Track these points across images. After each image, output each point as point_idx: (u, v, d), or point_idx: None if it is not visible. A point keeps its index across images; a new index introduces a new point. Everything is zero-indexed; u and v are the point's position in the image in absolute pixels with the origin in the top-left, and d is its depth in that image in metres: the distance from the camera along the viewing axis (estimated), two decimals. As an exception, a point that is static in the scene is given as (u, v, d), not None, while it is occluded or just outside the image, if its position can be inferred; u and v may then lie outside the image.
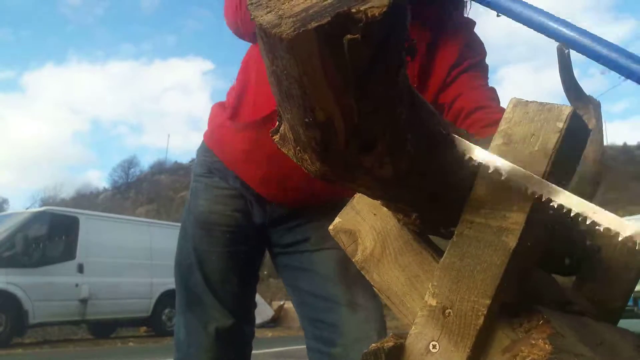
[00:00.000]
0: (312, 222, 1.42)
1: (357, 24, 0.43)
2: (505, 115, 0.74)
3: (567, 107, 0.70)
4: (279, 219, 1.45)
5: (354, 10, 0.43)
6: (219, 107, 1.51)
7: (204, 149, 1.50)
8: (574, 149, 0.74)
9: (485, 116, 1.15)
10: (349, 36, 0.44)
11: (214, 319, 1.41)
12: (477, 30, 1.37)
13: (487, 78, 1.33)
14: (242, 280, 1.47)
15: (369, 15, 0.43)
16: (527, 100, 0.73)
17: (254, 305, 1.55)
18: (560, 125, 0.69)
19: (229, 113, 1.42)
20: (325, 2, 0.44)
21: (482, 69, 1.32)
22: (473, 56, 1.30)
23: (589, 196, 0.94)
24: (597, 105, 0.96)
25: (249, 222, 1.45)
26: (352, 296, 1.36)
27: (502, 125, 0.73)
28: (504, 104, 1.27)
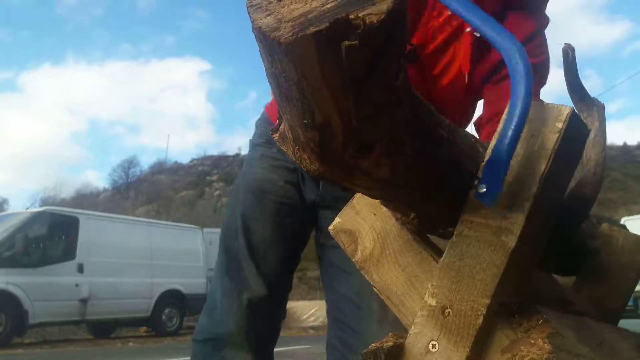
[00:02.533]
0: None
1: (355, 30, 0.43)
2: (504, 115, 0.74)
3: (566, 107, 0.70)
4: (331, 200, 1.41)
5: (352, 16, 0.43)
6: None
7: (265, 120, 1.51)
8: (574, 149, 0.74)
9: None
10: (346, 42, 0.44)
11: (248, 287, 1.39)
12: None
13: (544, 82, 1.29)
14: (284, 255, 1.45)
15: (367, 22, 0.43)
16: (526, 100, 0.73)
17: (288, 287, 1.52)
18: (560, 125, 0.69)
19: None
20: (324, 7, 0.45)
21: (543, 71, 1.28)
22: (540, 53, 1.26)
23: (590, 198, 0.94)
24: (601, 108, 0.96)
25: (300, 197, 1.44)
26: (385, 312, 1.31)
27: (501, 126, 0.73)
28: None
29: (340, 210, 1.38)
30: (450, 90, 1.28)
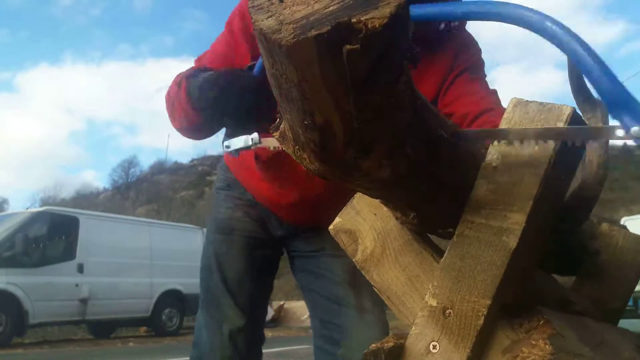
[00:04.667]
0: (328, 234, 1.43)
1: (357, 34, 0.43)
2: (505, 115, 0.74)
3: (567, 107, 0.70)
4: (296, 232, 1.54)
5: (354, 20, 0.43)
6: None
7: (224, 166, 1.62)
8: (575, 149, 0.74)
9: (491, 119, 1.14)
10: (348, 47, 0.43)
11: (228, 318, 1.48)
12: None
13: (484, 77, 1.33)
14: (257, 282, 1.54)
15: (369, 26, 0.43)
16: (527, 100, 0.73)
17: (265, 312, 1.63)
18: (561, 125, 0.69)
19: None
20: (327, 10, 0.44)
21: (477, 70, 1.32)
22: (466, 60, 1.31)
23: (591, 200, 0.94)
24: (604, 109, 0.96)
25: (266, 231, 1.54)
26: (361, 301, 1.44)
27: (503, 125, 0.73)
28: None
29: (307, 236, 1.50)
30: None
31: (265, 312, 1.63)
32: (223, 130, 1.22)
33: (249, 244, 1.52)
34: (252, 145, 1.06)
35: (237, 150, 1.08)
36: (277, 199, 1.47)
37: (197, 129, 1.26)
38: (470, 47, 1.34)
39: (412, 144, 0.58)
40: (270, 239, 1.55)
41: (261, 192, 1.50)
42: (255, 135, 1.05)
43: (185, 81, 1.22)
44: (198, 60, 1.37)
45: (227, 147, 1.09)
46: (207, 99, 1.12)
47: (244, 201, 1.54)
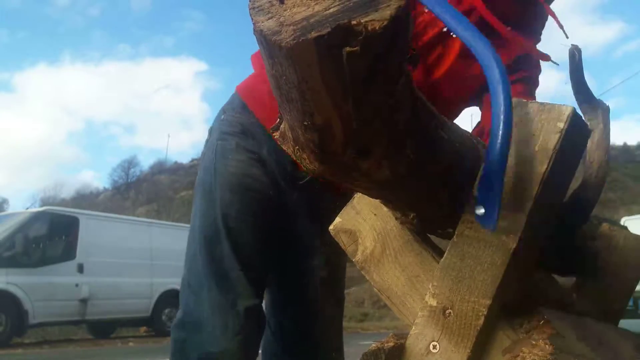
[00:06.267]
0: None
1: (357, 36, 0.43)
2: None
3: (567, 107, 0.70)
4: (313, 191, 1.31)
5: (354, 22, 0.43)
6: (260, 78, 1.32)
7: (239, 105, 1.31)
8: (575, 149, 0.74)
9: None
10: (347, 49, 0.43)
11: (242, 296, 1.21)
12: None
13: (534, 95, 1.34)
14: (270, 258, 1.31)
15: (369, 28, 0.43)
16: (527, 101, 0.73)
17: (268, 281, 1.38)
18: (561, 125, 0.69)
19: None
20: (327, 12, 0.44)
21: (533, 85, 1.33)
22: (529, 68, 1.31)
23: (591, 201, 0.94)
24: (605, 110, 0.96)
25: (279, 196, 1.30)
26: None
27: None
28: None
29: (311, 221, 1.31)
30: (443, 83, 1.28)
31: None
32: None
33: (266, 209, 1.26)
34: None
35: None
36: None
37: None
38: (532, 61, 1.33)
39: (412, 144, 0.58)
40: (283, 207, 1.30)
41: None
42: None
43: None
44: None
45: None
46: None
47: (257, 155, 1.27)
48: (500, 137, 0.59)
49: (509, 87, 0.59)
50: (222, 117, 1.34)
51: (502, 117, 0.59)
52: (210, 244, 1.25)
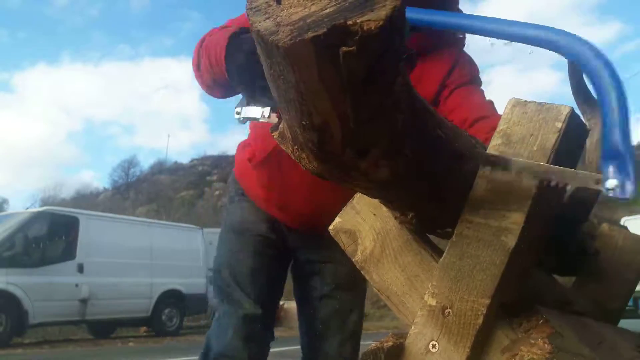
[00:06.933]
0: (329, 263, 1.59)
1: (353, 36, 0.43)
2: (504, 115, 0.74)
3: (565, 107, 0.70)
4: (302, 239, 1.60)
5: (350, 22, 0.43)
6: (241, 147, 1.67)
7: (234, 180, 1.69)
8: (573, 148, 0.74)
9: (488, 124, 1.17)
10: (344, 49, 0.43)
11: (243, 307, 1.52)
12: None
13: (481, 89, 1.39)
14: (269, 281, 1.58)
15: (365, 28, 0.43)
16: (525, 101, 0.73)
17: (275, 312, 1.67)
18: (559, 125, 0.69)
19: (247, 152, 1.57)
20: (323, 12, 0.44)
21: (477, 84, 1.39)
22: (466, 73, 1.37)
23: (590, 201, 0.94)
24: None
25: (277, 234, 1.59)
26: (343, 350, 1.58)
27: (501, 125, 0.73)
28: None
29: (310, 252, 1.56)
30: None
31: (274, 313, 1.67)
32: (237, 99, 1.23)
33: (261, 243, 1.57)
34: (261, 118, 1.05)
35: (246, 119, 1.08)
36: (277, 204, 1.52)
37: (220, 84, 1.26)
38: (468, 65, 1.40)
39: (411, 144, 0.58)
40: (281, 242, 1.60)
41: (260, 198, 1.56)
42: (267, 109, 1.04)
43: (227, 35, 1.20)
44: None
45: (238, 113, 1.09)
46: (239, 59, 1.12)
47: (254, 206, 1.60)
48: (617, 106, 0.61)
49: (612, 66, 0.62)
50: (229, 186, 1.75)
51: (615, 88, 0.61)
52: (217, 273, 1.61)
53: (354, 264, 0.88)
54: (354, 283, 1.59)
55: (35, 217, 9.79)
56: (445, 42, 1.37)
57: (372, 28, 0.43)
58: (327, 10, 0.44)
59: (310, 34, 0.43)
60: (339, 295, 1.59)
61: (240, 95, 1.18)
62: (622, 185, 0.61)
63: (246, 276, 1.54)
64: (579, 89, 0.91)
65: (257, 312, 1.51)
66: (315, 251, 1.60)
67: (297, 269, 1.66)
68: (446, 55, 1.36)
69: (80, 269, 9.70)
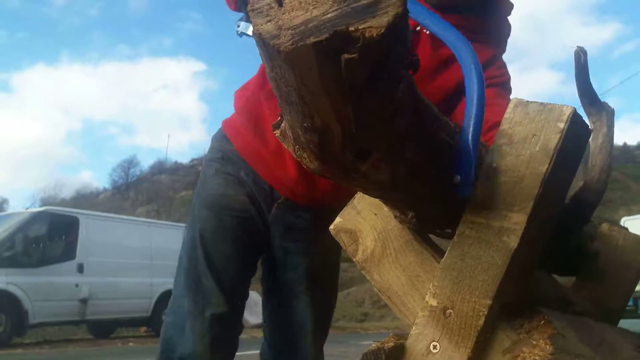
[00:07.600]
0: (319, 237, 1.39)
1: (355, 43, 0.43)
2: (506, 115, 0.73)
3: (568, 108, 0.70)
4: (279, 227, 1.47)
5: (352, 29, 0.42)
6: (242, 89, 1.50)
7: (221, 136, 1.50)
8: (576, 149, 0.74)
9: None
10: (346, 56, 0.43)
11: (210, 304, 1.39)
12: None
13: (509, 96, 1.37)
14: (242, 268, 1.45)
15: (367, 35, 0.42)
16: (527, 101, 0.73)
17: (246, 297, 1.53)
18: (562, 125, 0.69)
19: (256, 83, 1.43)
20: (325, 17, 0.44)
21: (507, 91, 1.36)
22: (501, 74, 1.35)
23: (592, 203, 0.94)
24: (610, 113, 0.96)
25: (258, 212, 1.45)
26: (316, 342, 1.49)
27: (504, 126, 0.73)
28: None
29: (288, 239, 1.45)
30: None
31: (245, 299, 1.52)
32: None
33: (239, 225, 1.43)
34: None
35: (242, 34, 1.07)
36: (280, 165, 1.38)
37: None
38: (507, 69, 1.38)
39: (412, 147, 0.58)
40: (261, 223, 1.45)
41: (262, 157, 1.41)
42: None
43: None
44: None
45: (238, 26, 1.08)
46: None
47: (235, 177, 1.44)
48: (474, 111, 0.66)
49: (479, 67, 0.65)
50: (210, 145, 1.55)
51: (475, 87, 0.65)
52: (189, 255, 1.46)
53: (355, 263, 0.88)
54: (329, 279, 1.52)
55: (35, 217, 9.79)
56: (487, 38, 1.35)
57: (374, 35, 0.42)
58: (329, 15, 0.44)
59: (312, 40, 0.43)
60: (314, 291, 1.47)
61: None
62: (462, 184, 0.66)
63: (220, 263, 1.40)
64: (585, 90, 0.91)
65: (226, 310, 1.38)
66: (293, 239, 1.46)
67: (272, 257, 1.51)
68: (486, 51, 1.32)
69: (80, 269, 9.70)
